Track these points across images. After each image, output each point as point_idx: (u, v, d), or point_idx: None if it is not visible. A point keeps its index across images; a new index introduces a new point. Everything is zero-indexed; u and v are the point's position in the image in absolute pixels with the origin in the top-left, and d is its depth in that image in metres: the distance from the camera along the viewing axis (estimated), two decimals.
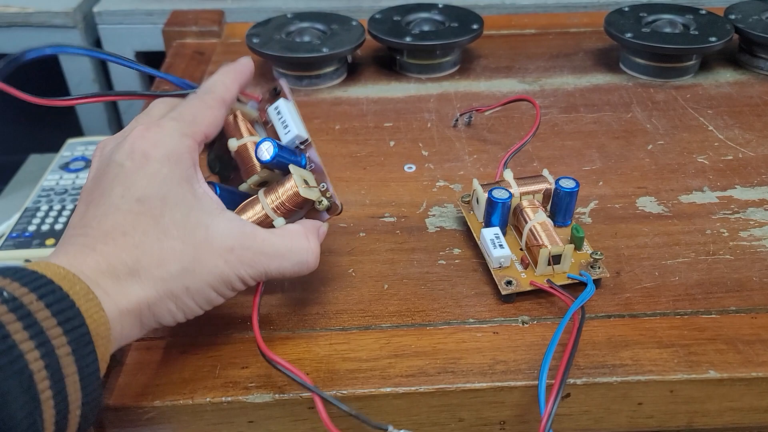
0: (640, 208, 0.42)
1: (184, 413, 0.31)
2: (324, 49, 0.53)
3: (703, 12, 0.58)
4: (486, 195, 0.38)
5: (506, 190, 0.38)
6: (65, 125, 0.78)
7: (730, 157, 0.46)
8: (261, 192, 0.33)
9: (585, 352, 0.33)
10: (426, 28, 0.57)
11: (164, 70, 0.59)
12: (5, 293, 0.24)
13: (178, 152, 0.30)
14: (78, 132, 0.79)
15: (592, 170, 0.46)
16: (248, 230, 0.31)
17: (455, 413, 0.33)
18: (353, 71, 0.59)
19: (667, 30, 0.56)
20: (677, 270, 0.37)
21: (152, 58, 0.75)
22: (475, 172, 0.46)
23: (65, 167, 0.64)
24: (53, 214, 0.58)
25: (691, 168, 0.46)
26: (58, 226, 0.56)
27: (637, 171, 0.46)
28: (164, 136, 0.31)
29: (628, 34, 0.54)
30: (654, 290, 0.36)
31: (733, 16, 0.56)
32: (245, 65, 0.36)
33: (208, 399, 0.31)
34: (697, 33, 0.55)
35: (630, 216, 0.42)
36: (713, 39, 0.53)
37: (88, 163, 0.64)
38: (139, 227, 0.29)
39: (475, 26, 0.57)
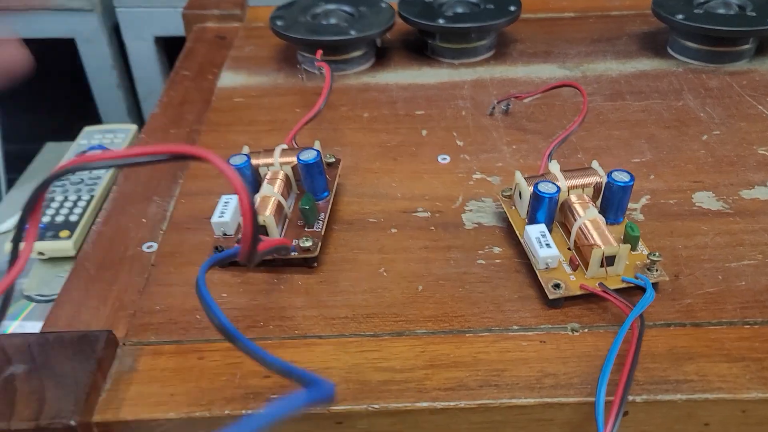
0: (697, 204, 0.39)
1: (200, 426, 0.29)
2: (352, 32, 0.50)
3: None
4: (530, 189, 0.35)
5: (553, 183, 0.34)
6: (83, 113, 0.76)
7: None
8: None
9: (644, 366, 0.29)
10: (460, 10, 0.54)
11: (185, 55, 0.56)
12: None
13: None
14: (96, 120, 0.77)
15: (642, 162, 0.42)
16: None
17: (498, 430, 0.29)
18: (382, 56, 0.56)
19: (722, 11, 0.52)
20: (743, 273, 0.34)
21: (172, 44, 0.72)
22: (514, 164, 0.43)
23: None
24: (68, 204, 0.55)
25: (751, 161, 0.42)
26: (73, 218, 0.54)
27: (692, 164, 0.42)
28: None
29: (680, 16, 0.50)
30: (718, 296, 0.33)
31: None
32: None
33: (227, 411, 0.28)
34: (754, 14, 0.50)
35: (686, 213, 0.38)
36: None
37: (105, 151, 0.62)
38: None
39: (512, 8, 0.53)
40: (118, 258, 0.36)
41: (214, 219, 0.35)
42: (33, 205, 0.23)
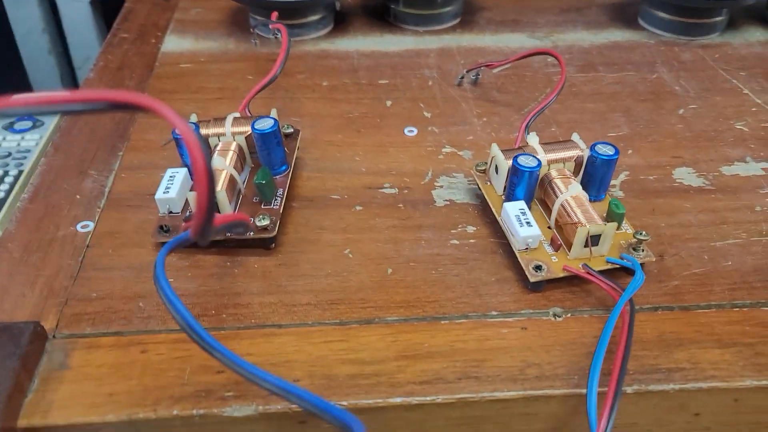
0: (677, 180, 0.37)
1: (144, 430, 0.25)
2: None
3: None
4: (509, 163, 0.32)
5: (534, 156, 0.32)
6: (12, 81, 0.70)
7: None
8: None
9: (634, 353, 0.27)
10: None
11: (123, 17, 0.52)
12: None
13: None
14: (27, 88, 0.71)
15: (619, 136, 0.40)
16: None
17: (478, 426, 0.27)
18: (341, 21, 0.52)
19: None
20: (729, 253, 0.32)
21: (111, 6, 0.67)
22: (486, 137, 0.40)
23: (9, 127, 0.56)
24: None
25: (729, 135, 0.40)
26: (0, 194, 0.49)
27: (671, 138, 0.40)
28: None
29: None
30: (705, 277, 0.31)
31: None
32: None
33: (175, 412, 0.25)
34: None
35: (667, 190, 0.36)
36: None
37: (35, 122, 0.56)
38: None
39: None
40: (48, 239, 0.32)
41: (159, 195, 0.31)
42: None
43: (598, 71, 0.46)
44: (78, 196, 0.35)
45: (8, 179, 0.50)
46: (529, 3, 0.55)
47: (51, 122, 0.56)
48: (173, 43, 0.49)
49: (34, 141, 0.54)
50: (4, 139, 0.54)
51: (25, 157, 0.52)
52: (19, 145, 0.54)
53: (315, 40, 0.49)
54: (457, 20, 0.52)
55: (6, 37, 0.67)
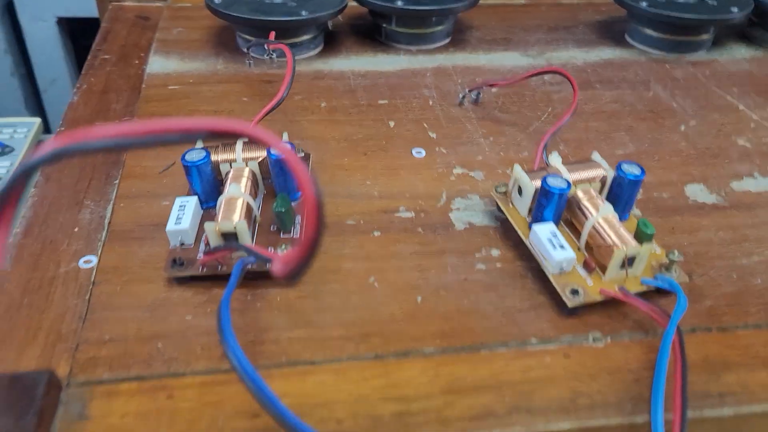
0: (691, 198, 0.37)
1: None
2: (303, 12, 0.45)
3: None
4: (534, 184, 0.31)
5: (561, 177, 0.31)
6: None
7: None
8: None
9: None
10: None
11: (102, 37, 0.49)
12: None
13: None
14: None
15: (626, 155, 0.40)
16: None
17: None
18: (331, 41, 0.51)
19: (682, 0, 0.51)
20: (756, 271, 0.32)
21: (77, 26, 0.64)
22: (495, 157, 0.39)
23: None
24: None
25: (734, 152, 0.40)
26: None
27: (676, 156, 0.40)
28: None
29: (644, 3, 0.49)
30: (738, 296, 0.30)
31: None
32: None
33: None
34: (715, 3, 0.50)
35: (683, 207, 0.36)
36: (735, 9, 0.48)
37: (4, 148, 0.53)
38: None
39: None
40: (49, 277, 0.30)
41: (170, 227, 0.29)
42: (10, 192, 0.16)
43: (596, 89, 0.46)
44: (76, 229, 0.32)
45: None
46: (517, 22, 0.55)
47: (21, 149, 0.53)
48: (158, 64, 0.46)
49: (4, 168, 0.51)
50: None
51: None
52: None
53: (307, 60, 0.48)
54: (449, 39, 0.52)
55: None
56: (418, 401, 0.25)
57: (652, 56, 0.51)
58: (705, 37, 0.50)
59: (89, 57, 0.47)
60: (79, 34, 0.67)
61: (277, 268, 0.18)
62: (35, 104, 0.68)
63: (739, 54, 0.52)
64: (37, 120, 0.57)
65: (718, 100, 0.46)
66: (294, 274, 0.18)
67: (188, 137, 0.15)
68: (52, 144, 0.16)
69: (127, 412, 0.24)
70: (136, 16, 0.53)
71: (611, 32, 0.54)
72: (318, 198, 0.16)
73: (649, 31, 0.50)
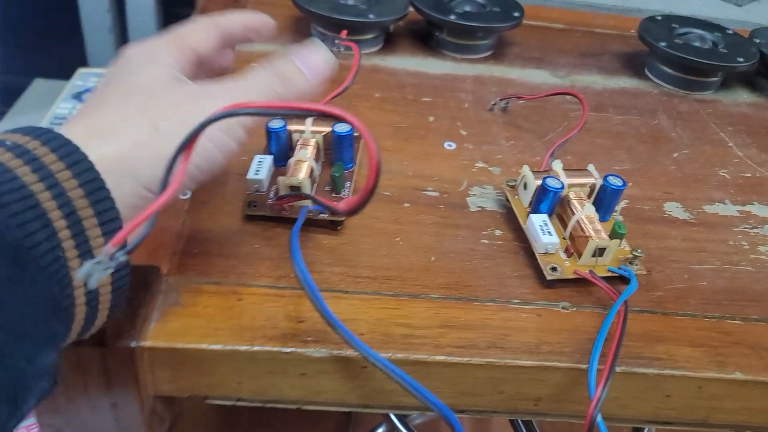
0: (667, 212, 0.44)
1: (242, 358, 0.32)
2: (370, 15, 0.53)
3: (730, 32, 0.60)
4: (537, 182, 0.39)
5: (558, 180, 0.39)
6: (71, 53, 0.76)
7: (749, 175, 0.49)
8: None
9: (623, 343, 0.35)
10: (468, 8, 0.58)
11: (197, 13, 0.58)
12: (8, 142, 0.25)
13: (155, 50, 0.33)
14: (83, 61, 0.77)
15: (622, 170, 0.48)
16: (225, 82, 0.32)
17: (497, 386, 0.34)
18: (390, 41, 0.59)
19: (697, 44, 0.58)
20: (704, 275, 0.40)
21: (177, 1, 0.73)
22: (512, 157, 0.47)
23: (78, 96, 0.62)
24: None
25: (713, 180, 0.48)
26: None
27: (664, 176, 0.48)
28: (149, 42, 0.33)
29: (662, 43, 0.56)
30: (684, 292, 0.38)
31: (757, 40, 0.59)
32: (262, 15, 0.39)
33: (267, 348, 0.32)
34: (725, 51, 0.57)
35: (658, 219, 0.44)
36: (741, 59, 0.56)
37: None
38: (112, 94, 0.30)
39: (516, 14, 0.57)
40: None
41: (250, 176, 0.38)
42: (186, 145, 0.25)
43: (608, 112, 0.54)
44: None
45: None
46: (553, 44, 0.63)
47: None
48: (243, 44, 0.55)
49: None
50: (74, 107, 0.60)
51: None
52: None
53: (367, 55, 0.57)
54: (491, 52, 0.60)
55: (72, 12, 0.73)
56: (420, 329, 0.34)
57: (664, 90, 0.58)
58: (713, 79, 0.58)
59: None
60: (170, 3, 0.76)
61: (341, 206, 0.27)
62: None
63: (741, 98, 0.59)
64: None
65: (712, 135, 0.53)
66: (353, 212, 0.26)
67: (306, 114, 0.24)
68: (222, 107, 0.25)
69: (209, 305, 0.33)
70: None
71: (632, 64, 0.61)
72: (378, 160, 0.25)
73: (665, 68, 0.58)
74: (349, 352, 0.32)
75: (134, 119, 0.29)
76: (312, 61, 0.34)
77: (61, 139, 0.26)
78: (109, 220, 0.26)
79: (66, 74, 0.67)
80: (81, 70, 0.66)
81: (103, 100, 0.30)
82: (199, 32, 0.35)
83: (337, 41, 0.51)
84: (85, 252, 0.25)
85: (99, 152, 0.26)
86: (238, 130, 0.31)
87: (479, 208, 0.42)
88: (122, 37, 0.76)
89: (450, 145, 0.47)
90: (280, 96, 0.32)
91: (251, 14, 0.39)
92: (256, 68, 0.33)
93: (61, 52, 0.74)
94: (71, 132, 0.27)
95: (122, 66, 0.32)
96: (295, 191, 0.37)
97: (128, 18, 0.74)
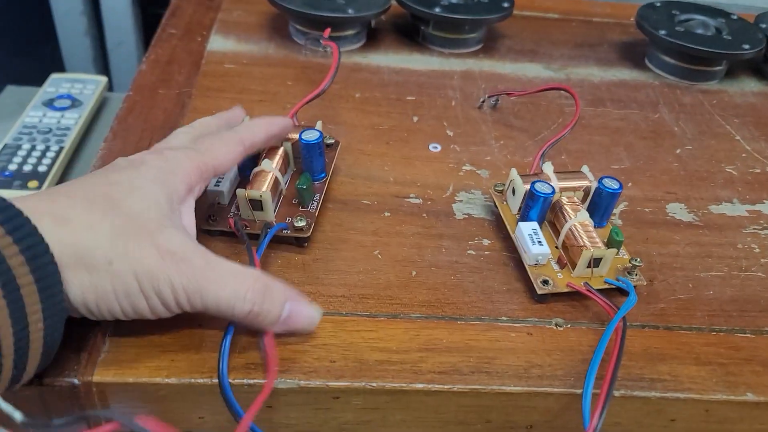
0: (670, 214, 0.41)
1: (201, 392, 0.29)
2: (349, 10, 0.50)
3: (735, 17, 0.57)
4: (526, 187, 0.36)
5: (548, 184, 0.36)
6: (46, 58, 0.73)
7: (758, 171, 0.46)
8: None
9: (622, 363, 0.31)
10: (455, 0, 0.55)
11: (171, 13, 0.55)
12: None
13: (173, 167, 0.30)
14: (59, 66, 0.74)
15: (620, 170, 0.44)
16: (200, 249, 0.29)
17: (484, 414, 0.31)
18: (372, 37, 0.56)
19: (700, 31, 0.54)
20: (711, 284, 0.37)
21: (154, 1, 0.70)
22: (502, 159, 0.44)
23: (49, 104, 0.59)
24: (36, 154, 0.53)
25: (719, 177, 0.45)
26: (41, 168, 0.52)
27: (666, 175, 0.44)
28: (171, 155, 0.31)
29: (662, 32, 0.53)
30: (689, 303, 0.35)
31: (764, 25, 0.56)
32: (282, 120, 0.37)
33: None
34: (730, 38, 0.53)
35: (660, 222, 0.41)
36: (746, 46, 0.52)
37: (74, 101, 0.60)
38: (92, 196, 0.27)
39: (505, 4, 0.54)
40: None
41: (210, 186, 0.35)
42: None
43: (605, 107, 0.51)
44: None
45: (50, 154, 0.53)
46: (547, 35, 0.60)
47: (89, 102, 0.59)
48: (218, 43, 0.52)
49: (73, 119, 0.57)
50: (44, 115, 0.58)
51: (65, 135, 0.56)
52: (59, 122, 0.57)
53: (348, 53, 0.53)
54: (480, 46, 0.56)
55: (45, 15, 0.70)
56: (398, 353, 0.31)
57: (666, 81, 0.55)
58: (718, 68, 0.54)
59: (159, 30, 0.53)
60: (147, 3, 0.73)
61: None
62: (102, 63, 0.74)
63: (748, 87, 0.55)
64: (104, 78, 0.64)
65: (717, 129, 0.50)
66: None
67: None
68: None
69: (164, 333, 0.30)
70: None
71: (632, 54, 0.58)
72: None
73: (666, 58, 0.54)
74: (318, 382, 0.29)
75: (108, 225, 0.26)
76: (298, 316, 0.30)
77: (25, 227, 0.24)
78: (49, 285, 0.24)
79: (41, 80, 0.64)
80: (53, 76, 0.63)
81: (89, 192, 0.28)
82: (226, 154, 0.33)
83: (306, 42, 0.48)
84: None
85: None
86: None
87: (466, 216, 0.39)
88: (99, 40, 0.74)
89: (435, 147, 0.44)
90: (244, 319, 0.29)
91: (273, 123, 0.36)
92: (248, 272, 0.29)
93: (36, 57, 0.71)
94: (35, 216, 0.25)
95: (132, 166, 0.30)
96: (256, 205, 0.34)
97: (104, 20, 0.72)
